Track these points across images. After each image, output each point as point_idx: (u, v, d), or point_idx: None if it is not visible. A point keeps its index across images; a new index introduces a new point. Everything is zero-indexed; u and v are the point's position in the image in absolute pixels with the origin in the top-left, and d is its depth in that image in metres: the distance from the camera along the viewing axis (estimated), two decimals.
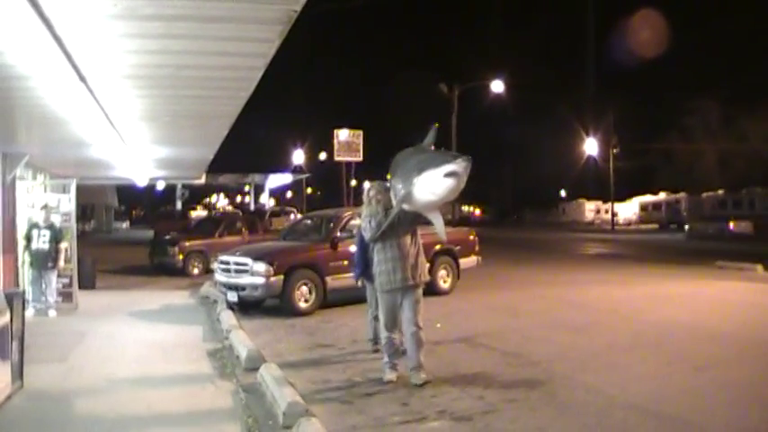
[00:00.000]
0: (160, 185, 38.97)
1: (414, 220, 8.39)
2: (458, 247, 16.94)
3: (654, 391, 7.88)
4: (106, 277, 21.03)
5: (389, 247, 8.42)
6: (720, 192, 56.45)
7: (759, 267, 20.17)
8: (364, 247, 9.61)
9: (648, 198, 67.35)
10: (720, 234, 42.24)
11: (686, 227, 47.50)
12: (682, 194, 60.66)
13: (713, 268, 21.31)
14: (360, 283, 10.41)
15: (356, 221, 16.07)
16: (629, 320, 12.49)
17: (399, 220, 8.30)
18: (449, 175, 7.41)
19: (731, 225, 43.86)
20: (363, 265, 9.90)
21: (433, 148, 8.37)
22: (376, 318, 9.70)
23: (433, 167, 7.51)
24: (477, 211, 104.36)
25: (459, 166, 7.38)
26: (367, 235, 8.67)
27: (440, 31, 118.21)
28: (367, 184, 9.33)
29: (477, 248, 17.75)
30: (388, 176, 8.67)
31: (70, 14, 6.00)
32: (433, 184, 7.56)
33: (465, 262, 17.19)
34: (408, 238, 8.48)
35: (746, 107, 56.57)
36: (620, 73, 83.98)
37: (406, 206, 8.11)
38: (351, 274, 14.85)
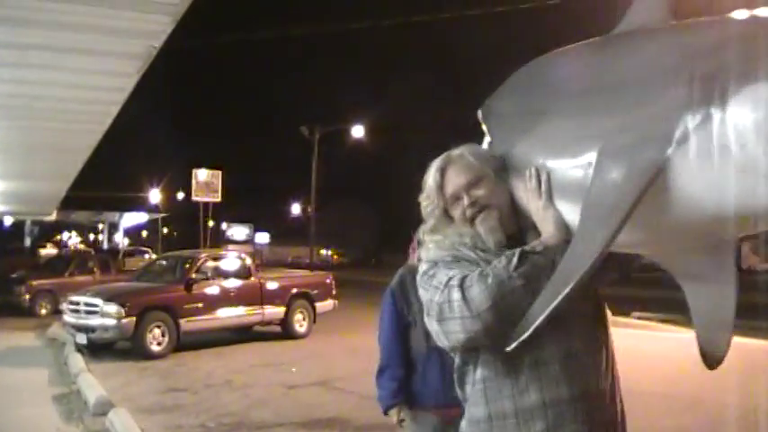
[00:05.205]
0: (7, 221, 37.52)
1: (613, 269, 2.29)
2: (315, 291, 16.99)
3: None
4: None
5: (542, 370, 2.27)
6: None
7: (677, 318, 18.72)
8: (402, 331, 4.29)
9: None
10: None
11: None
12: None
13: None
14: (395, 416, 4.09)
15: (212, 263, 15.88)
16: None
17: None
18: None
19: None
20: (402, 375, 4.16)
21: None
22: None
23: None
24: (335, 256, 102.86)
25: None
26: (445, 340, 2.20)
27: (308, 74, 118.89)
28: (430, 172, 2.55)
29: (334, 292, 17.82)
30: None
31: None
32: None
33: (322, 306, 17.10)
34: (591, 324, 2.31)
35: None
36: None
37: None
38: (205, 317, 14.77)
